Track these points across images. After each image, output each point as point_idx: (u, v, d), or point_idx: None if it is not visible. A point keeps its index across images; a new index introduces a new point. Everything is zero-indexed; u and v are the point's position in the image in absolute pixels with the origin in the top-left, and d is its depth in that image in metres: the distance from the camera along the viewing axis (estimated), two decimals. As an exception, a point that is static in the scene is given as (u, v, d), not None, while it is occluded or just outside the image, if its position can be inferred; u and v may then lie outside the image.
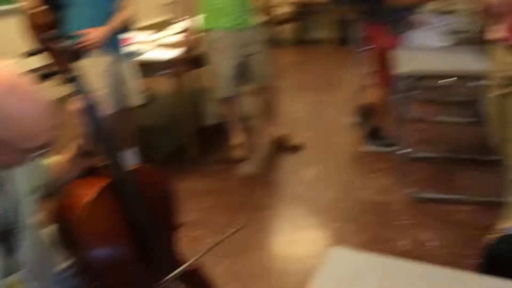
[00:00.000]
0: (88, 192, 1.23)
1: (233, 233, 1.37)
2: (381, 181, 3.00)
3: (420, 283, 1.10)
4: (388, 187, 2.93)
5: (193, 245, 2.39)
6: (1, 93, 0.97)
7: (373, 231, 2.51)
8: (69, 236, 1.23)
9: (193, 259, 1.33)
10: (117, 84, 2.76)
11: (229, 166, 3.31)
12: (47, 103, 1.05)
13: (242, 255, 2.35)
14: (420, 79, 2.79)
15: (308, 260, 2.29)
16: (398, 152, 3.00)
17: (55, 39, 1.25)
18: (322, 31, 7.01)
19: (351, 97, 4.62)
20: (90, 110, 1.27)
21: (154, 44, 3.54)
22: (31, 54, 1.23)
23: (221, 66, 3.22)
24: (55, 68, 1.25)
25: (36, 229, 1.31)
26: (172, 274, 1.31)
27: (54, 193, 1.39)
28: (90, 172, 1.34)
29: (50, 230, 1.45)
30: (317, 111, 4.31)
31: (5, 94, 0.98)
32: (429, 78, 2.92)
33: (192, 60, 3.39)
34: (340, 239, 2.45)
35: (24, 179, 1.21)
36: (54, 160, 1.41)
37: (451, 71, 2.67)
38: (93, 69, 2.56)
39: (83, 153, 1.33)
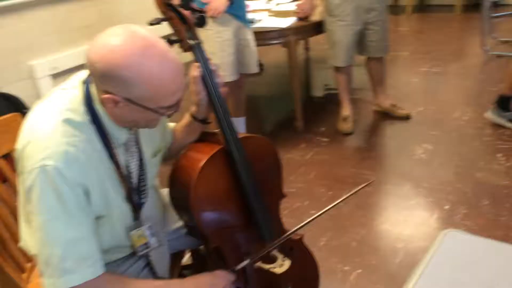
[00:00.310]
0: (201, 157, 1.29)
1: (361, 188, 1.35)
2: (502, 162, 2.75)
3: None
4: (510, 169, 2.68)
5: (295, 215, 2.45)
6: (141, 52, 1.02)
7: (489, 216, 2.33)
8: (181, 197, 1.31)
9: (301, 224, 1.33)
10: (240, 52, 2.83)
11: (335, 138, 3.26)
12: (180, 63, 1.09)
13: (342, 230, 2.33)
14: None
15: (415, 241, 2.21)
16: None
17: (178, 7, 1.28)
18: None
19: (475, 69, 4.26)
20: (208, 77, 1.30)
21: (268, 12, 3.55)
22: (153, 23, 1.27)
23: (340, 34, 3.14)
24: (176, 36, 1.29)
25: (157, 190, 1.43)
26: (278, 240, 1.34)
27: (170, 157, 1.49)
28: (203, 138, 1.39)
29: (165, 192, 1.57)
30: (434, 84, 4.02)
31: (145, 53, 1.02)
32: None
33: (306, 29, 3.34)
34: (450, 222, 2.31)
35: (149, 141, 1.30)
36: (172, 125, 1.49)
37: None
38: (219, 36, 2.68)
39: (198, 120, 1.38)
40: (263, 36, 3.12)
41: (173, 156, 1.50)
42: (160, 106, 1.09)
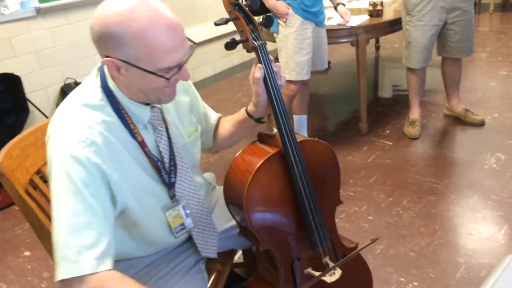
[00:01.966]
0: (257, 158, 1.30)
1: (366, 246, 1.30)
2: None
3: None
4: None
5: (351, 220, 2.41)
6: (132, 8, 1.03)
7: None
8: (235, 197, 1.31)
9: (354, 252, 1.33)
10: (315, 50, 2.84)
11: (400, 142, 3.15)
12: (176, 20, 1.07)
13: (401, 239, 2.26)
14: None
15: (479, 257, 2.10)
16: None
17: (245, 7, 1.29)
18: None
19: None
20: (270, 79, 1.29)
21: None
22: (219, 24, 1.27)
23: (417, 35, 3.01)
24: (242, 36, 1.29)
25: (200, 173, 1.43)
26: (338, 263, 1.34)
27: (216, 147, 1.51)
28: (261, 139, 1.39)
29: (219, 190, 1.59)
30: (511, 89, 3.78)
31: (137, 8, 1.03)
32: None
33: (377, 27, 3.25)
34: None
35: (181, 122, 1.31)
36: (217, 116, 1.50)
37: None
38: (300, 35, 2.72)
39: (255, 119, 1.38)
40: (333, 34, 3.08)
41: (219, 147, 1.52)
42: (159, 68, 1.07)
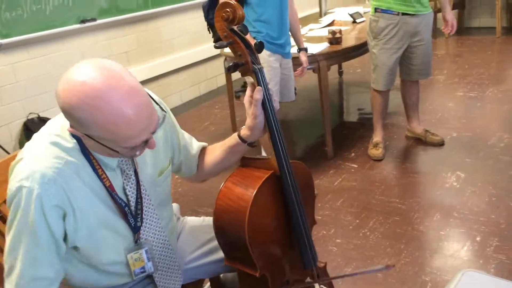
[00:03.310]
0: (253, 183, 1.29)
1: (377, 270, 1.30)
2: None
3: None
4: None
5: (319, 244, 2.44)
6: (97, 95, 1.00)
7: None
8: (233, 225, 1.29)
9: (361, 272, 1.33)
10: (282, 80, 2.88)
11: (365, 165, 3.23)
12: (144, 105, 1.05)
13: (368, 260, 2.29)
14: None
15: (443, 274, 2.15)
16: None
17: (241, 32, 1.29)
18: (486, 18, 6.34)
19: (513, 94, 4.14)
20: (268, 101, 1.30)
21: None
22: (218, 47, 1.29)
23: (384, 58, 3.12)
24: (241, 59, 1.30)
25: (168, 211, 1.40)
26: (328, 278, 1.35)
27: (203, 176, 1.49)
28: (248, 164, 1.38)
29: (191, 219, 1.59)
30: (470, 109, 3.93)
31: (102, 96, 1.00)
32: None
33: (337, 54, 3.36)
34: (481, 255, 2.24)
35: (151, 162, 1.30)
36: (201, 145, 1.49)
37: None
38: (269, 66, 2.74)
39: (248, 143, 1.36)
40: (296, 62, 3.16)
41: (208, 175, 1.49)
42: (123, 147, 1.08)
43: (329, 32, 3.38)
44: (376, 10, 3.08)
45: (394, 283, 2.13)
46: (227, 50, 3.52)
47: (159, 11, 4.44)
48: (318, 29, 3.96)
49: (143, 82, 4.02)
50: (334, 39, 3.35)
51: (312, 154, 3.51)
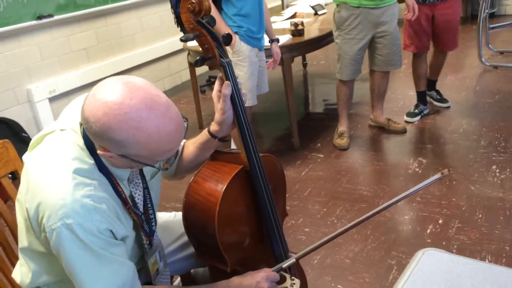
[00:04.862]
0: (224, 177, 1.28)
1: (435, 180, 1.22)
2: (496, 175, 2.75)
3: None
4: (504, 181, 2.68)
5: (288, 234, 2.46)
6: (138, 115, 0.98)
7: (483, 230, 2.33)
8: (203, 220, 1.28)
9: (316, 244, 1.29)
10: (260, 74, 2.88)
11: (331, 154, 3.28)
12: (180, 121, 1.06)
13: (336, 248, 2.34)
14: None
15: (408, 257, 2.21)
16: None
17: (209, 24, 1.25)
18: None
19: (472, 81, 4.27)
20: (236, 95, 1.28)
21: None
22: (184, 40, 1.26)
23: (346, 48, 3.15)
24: (207, 53, 1.27)
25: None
26: (303, 253, 1.32)
27: (179, 173, 1.47)
28: (217, 157, 1.37)
29: (160, 215, 1.58)
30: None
31: (142, 116, 0.98)
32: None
33: (300, 46, 3.38)
34: (444, 237, 2.32)
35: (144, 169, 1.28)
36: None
37: None
38: (248, 60, 2.72)
39: (218, 138, 1.34)
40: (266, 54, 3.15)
41: (184, 172, 1.48)
42: (157, 161, 1.09)
43: (291, 24, 3.40)
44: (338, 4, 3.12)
45: (361, 268, 2.18)
46: (191, 44, 3.50)
47: (119, 6, 4.36)
48: (281, 22, 3.97)
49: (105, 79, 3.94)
50: (297, 31, 3.37)
51: (279, 146, 3.53)
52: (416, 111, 3.63)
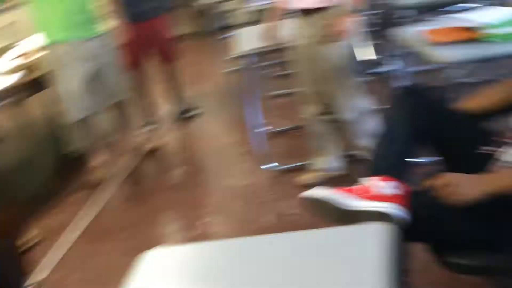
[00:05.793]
0: None
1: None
2: (245, 165, 3.02)
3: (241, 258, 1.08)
4: (251, 168, 2.93)
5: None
6: None
7: (241, 216, 2.51)
8: None
9: None
10: None
11: (90, 191, 3.04)
12: None
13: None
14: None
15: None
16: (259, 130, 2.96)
17: None
18: (183, 27, 6.87)
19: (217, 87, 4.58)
20: None
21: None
22: None
23: (69, 84, 2.90)
24: None
25: None
26: None
27: None
28: None
29: None
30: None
31: None
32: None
33: (35, 83, 3.13)
34: (211, 234, 2.40)
35: None
36: None
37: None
38: None
39: None
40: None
41: None
42: None
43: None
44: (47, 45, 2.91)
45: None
46: None
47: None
48: (11, 61, 3.60)
49: None
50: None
51: (39, 197, 3.14)
52: None
